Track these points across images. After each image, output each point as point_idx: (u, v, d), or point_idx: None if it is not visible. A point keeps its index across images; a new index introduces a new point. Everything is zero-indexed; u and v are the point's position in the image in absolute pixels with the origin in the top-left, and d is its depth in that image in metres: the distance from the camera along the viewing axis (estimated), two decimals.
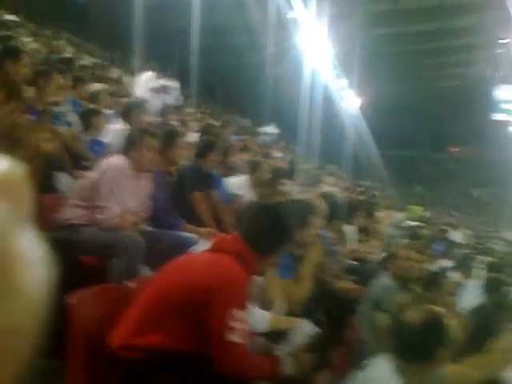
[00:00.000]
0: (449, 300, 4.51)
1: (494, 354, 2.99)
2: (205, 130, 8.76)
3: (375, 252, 7.11)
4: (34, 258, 0.45)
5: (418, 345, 2.50)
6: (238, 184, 6.33)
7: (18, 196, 0.46)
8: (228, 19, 26.54)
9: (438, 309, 2.79)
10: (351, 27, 27.83)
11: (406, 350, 2.51)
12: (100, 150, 5.96)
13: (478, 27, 33.63)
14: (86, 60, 14.13)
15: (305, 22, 25.88)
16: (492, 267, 7.47)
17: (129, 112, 6.43)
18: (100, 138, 6.22)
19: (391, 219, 11.38)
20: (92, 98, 7.44)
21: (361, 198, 10.41)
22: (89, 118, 6.27)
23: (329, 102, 31.84)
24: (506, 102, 54.20)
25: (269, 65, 27.54)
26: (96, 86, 7.97)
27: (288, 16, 26.11)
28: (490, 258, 10.26)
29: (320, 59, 28.36)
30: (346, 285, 4.25)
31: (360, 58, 30.03)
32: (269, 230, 2.83)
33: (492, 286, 5.52)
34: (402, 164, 60.25)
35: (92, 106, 6.89)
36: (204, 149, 5.86)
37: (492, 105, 53.88)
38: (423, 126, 61.54)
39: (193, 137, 7.59)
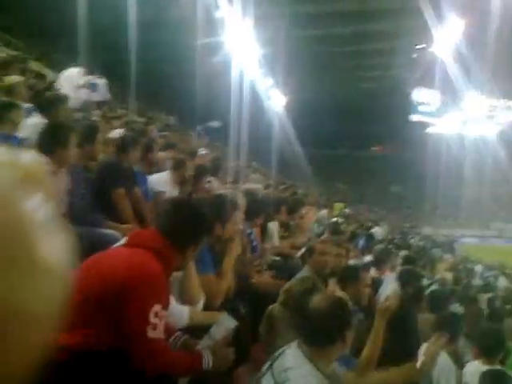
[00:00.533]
0: (366, 292, 4.61)
1: (415, 364, 3.03)
2: (127, 126, 8.60)
3: (298, 247, 7.20)
4: (58, 244, 0.45)
5: (323, 328, 2.55)
6: (160, 181, 6.23)
7: (45, 186, 0.46)
8: (156, 15, 26.20)
9: (342, 294, 2.88)
10: (277, 28, 28.10)
11: (313, 335, 2.57)
12: (14, 145, 5.69)
13: (397, 32, 34.74)
14: (3, 52, 13.52)
15: (231, 21, 25.93)
16: (407, 260, 7.74)
17: (48, 106, 6.19)
18: (15, 133, 5.92)
19: (314, 216, 11.54)
20: (8, 90, 7.11)
21: (284, 195, 10.51)
22: (3, 112, 5.96)
23: (256, 100, 32.02)
24: (423, 104, 56.38)
25: (197, 62, 27.38)
26: (13, 79, 7.60)
27: (216, 15, 26.10)
28: (406, 252, 10.62)
29: (247, 58, 28.48)
30: (266, 280, 4.27)
31: (285, 58, 30.37)
32: (187, 224, 2.79)
33: (406, 278, 5.72)
34: (325, 162, 61.50)
35: (7, 98, 6.56)
36: (126, 145, 5.72)
37: (410, 106, 55.89)
38: (346, 126, 62.95)
39: (115, 133, 7.41)
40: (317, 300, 2.69)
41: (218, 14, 26.37)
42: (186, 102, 30.02)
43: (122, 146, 5.73)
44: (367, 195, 62.51)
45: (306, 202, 11.06)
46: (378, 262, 7.44)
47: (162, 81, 33.78)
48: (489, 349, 4.56)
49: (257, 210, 5.37)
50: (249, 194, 5.44)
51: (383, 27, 34.10)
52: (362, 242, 10.49)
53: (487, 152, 60.78)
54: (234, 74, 26.94)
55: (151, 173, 6.51)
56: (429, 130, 62.09)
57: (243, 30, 26.57)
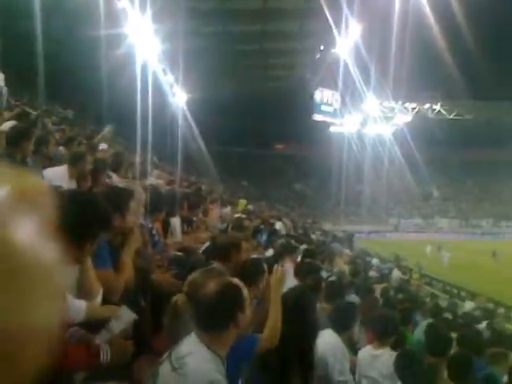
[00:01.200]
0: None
1: None
2: (19, 119, 8.25)
3: (201, 243, 7.21)
4: (52, 266, 0.46)
5: (214, 313, 2.60)
6: (56, 175, 5.98)
7: (43, 207, 0.48)
8: (56, 4, 25.18)
9: (235, 280, 2.91)
10: (177, 24, 27.82)
11: (206, 321, 2.61)
12: None
13: (300, 33, 35.38)
14: None
15: (132, 14, 25.44)
16: (307, 254, 7.97)
17: None
18: None
19: (218, 212, 11.59)
20: None
21: (187, 191, 10.47)
22: None
23: (159, 96, 31.64)
24: (325, 104, 57.92)
25: (98, 55, 26.64)
26: None
27: (117, 5, 25.50)
28: (306, 246, 10.90)
29: (149, 53, 28.09)
30: (166, 277, 4.26)
31: (187, 55, 30.13)
32: (83, 216, 2.72)
33: (306, 270, 5.90)
34: (229, 160, 61.77)
35: None
36: (16, 137, 5.48)
37: (313, 106, 57.22)
38: (250, 124, 63.55)
39: (6, 125, 7.06)
40: (208, 286, 2.72)
41: (119, 5, 25.75)
42: (86, 96, 29.16)
43: (14, 138, 5.48)
44: (270, 193, 63.44)
45: (209, 199, 11.09)
46: (279, 256, 7.57)
47: (61, 73, 32.57)
48: (382, 333, 4.80)
49: (158, 204, 5.33)
50: (150, 189, 5.39)
51: (287, 27, 34.58)
52: (264, 237, 10.66)
53: (384, 151, 63.51)
54: (137, 68, 26.44)
55: (46, 166, 6.24)
56: (330, 130, 63.88)
57: (143, 24, 26.15)
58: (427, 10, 35.87)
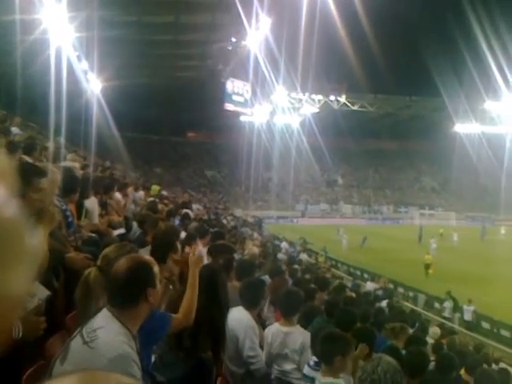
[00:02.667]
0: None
1: None
2: None
3: (114, 226, 7.11)
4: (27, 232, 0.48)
5: (124, 289, 2.58)
6: None
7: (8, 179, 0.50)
8: None
9: (146, 256, 2.91)
10: (93, 12, 27.00)
11: (116, 296, 2.59)
12: None
13: (212, 24, 35.19)
14: None
15: (47, 1, 24.39)
16: (217, 235, 8.06)
17: None
18: None
19: (132, 196, 11.43)
20: None
21: (101, 175, 10.25)
22: None
23: (73, 83, 30.58)
24: (236, 94, 58.07)
25: (11, 41, 25.40)
26: None
27: None
28: (217, 229, 11.02)
29: (62, 40, 27.05)
30: (78, 255, 4.16)
31: (102, 43, 29.33)
32: None
33: (217, 250, 5.97)
34: (143, 146, 60.94)
35: None
36: None
37: (224, 96, 57.21)
38: (164, 112, 62.84)
39: None
40: (119, 262, 2.71)
41: None
42: None
43: None
44: (183, 179, 63.11)
45: (123, 183, 10.90)
46: (192, 238, 7.59)
47: None
48: (287, 310, 4.93)
49: (72, 186, 5.20)
50: (64, 170, 5.25)
51: (199, 19, 34.29)
52: (177, 221, 10.63)
53: (292, 140, 64.62)
54: (51, 54, 25.41)
55: None
56: (241, 119, 64.16)
57: (58, 11, 25.13)
58: (333, 7, 36.62)
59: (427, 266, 28.40)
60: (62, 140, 17.14)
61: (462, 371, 6.52)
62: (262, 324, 5.52)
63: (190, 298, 3.49)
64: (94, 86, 37.73)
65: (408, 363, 4.68)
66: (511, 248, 35.76)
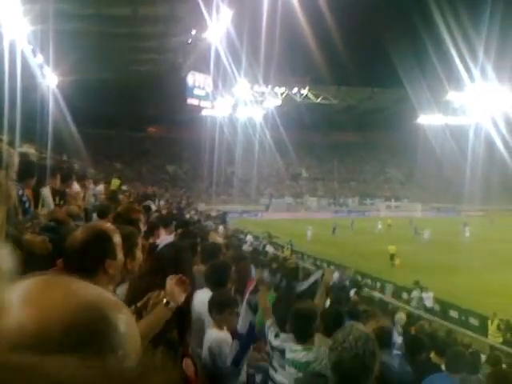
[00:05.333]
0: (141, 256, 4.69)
1: None
2: None
3: (73, 216, 7.00)
4: None
5: (83, 257, 2.53)
6: None
7: None
8: None
9: (107, 225, 2.84)
10: (48, 4, 26.52)
11: (72, 264, 2.53)
12: None
13: (171, 17, 34.92)
14: None
15: None
16: (180, 224, 8.06)
17: None
18: None
19: (91, 189, 11.31)
20: None
21: (59, 165, 10.10)
22: None
23: (28, 78, 29.96)
24: (198, 87, 57.84)
25: None
26: None
27: None
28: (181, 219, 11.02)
29: (17, 34, 26.48)
30: (34, 237, 4.07)
31: (58, 36, 28.82)
32: None
33: (183, 236, 5.99)
34: (102, 142, 60.20)
35: None
36: None
37: (185, 90, 56.90)
38: (123, 107, 62.13)
39: None
40: (76, 231, 2.65)
41: None
42: None
43: None
44: (144, 174, 62.65)
45: (81, 174, 10.76)
46: (155, 227, 7.55)
47: None
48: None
49: (28, 170, 5.10)
50: (20, 155, 5.15)
51: (158, 11, 33.99)
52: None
53: (255, 134, 64.73)
54: (5, 48, 24.85)
55: None
56: (203, 113, 63.89)
57: (12, 4, 24.58)
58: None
59: (392, 257, 29.13)
60: (17, 135, 16.80)
61: (432, 354, 6.63)
62: None
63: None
64: (49, 80, 37.01)
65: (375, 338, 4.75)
66: (476, 238, 36.85)
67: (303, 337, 3.81)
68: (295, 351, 3.79)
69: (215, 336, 4.37)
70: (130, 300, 3.71)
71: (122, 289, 3.63)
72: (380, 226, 44.72)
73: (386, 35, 67.68)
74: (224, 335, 4.41)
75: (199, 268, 5.30)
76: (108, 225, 2.81)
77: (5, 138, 10.61)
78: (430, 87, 61.16)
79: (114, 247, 2.63)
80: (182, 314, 3.87)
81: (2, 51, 24.46)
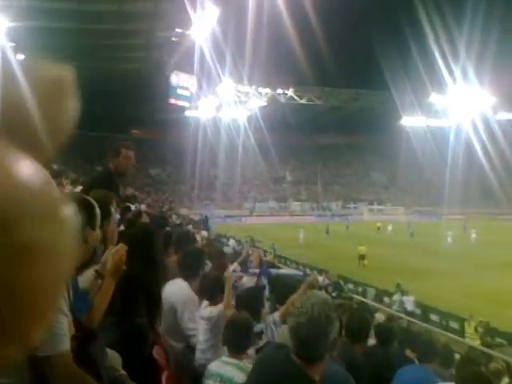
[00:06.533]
0: None
1: None
2: None
3: None
4: None
5: None
6: None
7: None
8: None
9: (87, 197, 2.84)
10: (28, 2, 26.38)
11: None
12: None
13: (155, 14, 34.80)
14: None
15: None
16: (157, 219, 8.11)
17: None
18: None
19: (70, 190, 11.35)
20: None
21: None
22: None
23: (6, 75, 29.72)
24: (181, 87, 57.56)
25: None
26: None
27: None
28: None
29: None
30: None
31: (39, 33, 28.65)
32: None
33: (155, 227, 6.03)
34: (82, 144, 59.44)
35: None
36: None
37: (169, 90, 56.60)
38: (105, 107, 61.56)
39: None
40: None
41: None
42: None
43: None
44: (126, 178, 62.01)
45: (56, 171, 10.68)
46: (132, 225, 7.58)
47: None
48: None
49: None
50: None
51: (142, 7, 33.88)
52: (117, 215, 10.59)
53: (238, 136, 64.64)
54: None
55: None
56: (186, 114, 63.63)
57: None
58: (281, 0, 37.00)
59: (362, 257, 30.30)
60: None
61: (408, 351, 6.67)
62: None
63: (99, 305, 2.96)
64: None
65: (348, 327, 4.81)
66: (456, 242, 37.36)
67: (237, 350, 3.71)
68: (226, 364, 3.68)
69: (218, 310, 4.42)
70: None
71: (90, 272, 3.62)
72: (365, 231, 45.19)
73: (371, 37, 68.33)
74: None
75: (173, 258, 5.30)
76: (88, 197, 2.79)
77: None
78: (413, 89, 61.94)
79: (94, 217, 2.65)
80: (152, 297, 3.87)
81: None
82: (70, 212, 0.49)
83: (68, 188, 12.20)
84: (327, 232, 43.53)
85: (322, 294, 2.87)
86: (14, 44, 29.97)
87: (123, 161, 5.20)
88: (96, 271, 3.32)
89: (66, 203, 0.49)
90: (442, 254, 31.49)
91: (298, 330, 2.52)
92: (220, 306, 4.46)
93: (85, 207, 2.60)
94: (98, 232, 2.69)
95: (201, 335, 4.42)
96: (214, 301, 4.53)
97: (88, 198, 2.76)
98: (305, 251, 33.45)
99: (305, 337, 2.50)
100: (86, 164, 56.15)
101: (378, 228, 47.21)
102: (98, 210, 2.70)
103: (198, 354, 4.36)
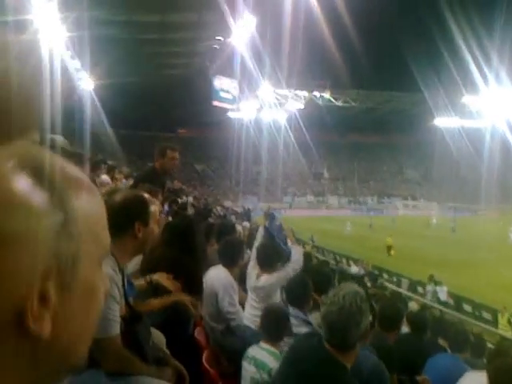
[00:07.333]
0: None
1: None
2: None
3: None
4: None
5: (115, 218, 2.52)
6: None
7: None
8: None
9: (144, 194, 2.81)
10: (83, 12, 26.84)
11: (111, 225, 2.53)
12: None
13: (198, 23, 35.09)
14: None
15: (37, 2, 24.22)
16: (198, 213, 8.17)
17: None
18: None
19: (123, 180, 11.50)
20: None
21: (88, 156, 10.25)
22: None
23: (66, 81, 30.43)
24: (224, 91, 57.90)
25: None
26: None
27: None
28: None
29: (54, 40, 26.86)
30: None
31: (93, 42, 29.15)
32: None
33: (198, 220, 6.06)
34: (136, 142, 60.72)
35: None
36: None
37: (213, 93, 57.05)
38: (155, 109, 62.71)
39: None
40: (116, 194, 2.63)
41: None
42: None
43: None
44: (174, 172, 62.86)
45: (110, 165, 10.90)
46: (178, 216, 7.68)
47: None
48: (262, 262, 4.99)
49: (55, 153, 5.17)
50: (50, 141, 5.22)
51: (186, 18, 34.23)
52: (166, 208, 10.74)
53: (279, 135, 64.69)
54: (44, 53, 25.18)
55: None
56: (229, 115, 64.02)
57: (49, 12, 24.96)
58: (316, 4, 36.65)
59: (389, 248, 30.45)
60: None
61: (441, 341, 6.51)
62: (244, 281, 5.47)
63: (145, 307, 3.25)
64: (86, 84, 37.50)
65: (381, 316, 4.73)
66: (486, 236, 36.49)
67: (272, 338, 3.71)
68: (262, 349, 3.68)
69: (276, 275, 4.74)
70: (144, 269, 3.77)
71: (137, 259, 3.67)
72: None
73: (404, 39, 67.14)
74: None
75: (215, 248, 5.36)
76: (146, 194, 2.79)
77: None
78: (446, 90, 60.45)
79: (148, 213, 2.62)
80: (193, 282, 3.91)
81: (43, 57, 24.83)
82: (38, 201, 0.47)
83: (122, 181, 12.44)
84: (370, 226, 43.30)
85: (354, 285, 2.84)
86: (70, 52, 30.70)
87: (168, 161, 5.38)
88: (150, 280, 3.40)
89: (34, 192, 0.47)
90: (479, 248, 30.73)
91: (328, 318, 2.54)
92: (275, 275, 4.73)
93: (137, 203, 2.60)
94: (151, 228, 2.66)
95: (255, 304, 4.65)
96: (267, 269, 4.75)
97: (141, 194, 2.75)
98: (343, 242, 33.23)
99: (335, 325, 2.52)
100: (139, 160, 57.04)
101: (427, 222, 46.42)
102: (153, 208, 2.68)
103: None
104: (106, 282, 0.64)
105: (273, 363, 3.46)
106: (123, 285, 2.56)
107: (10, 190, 0.45)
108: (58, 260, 0.51)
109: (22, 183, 0.46)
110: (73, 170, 0.55)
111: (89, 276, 0.57)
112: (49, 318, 0.50)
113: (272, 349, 3.62)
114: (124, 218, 2.50)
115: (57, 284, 0.51)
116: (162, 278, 3.46)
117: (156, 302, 3.31)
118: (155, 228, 2.71)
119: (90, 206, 0.58)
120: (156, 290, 3.40)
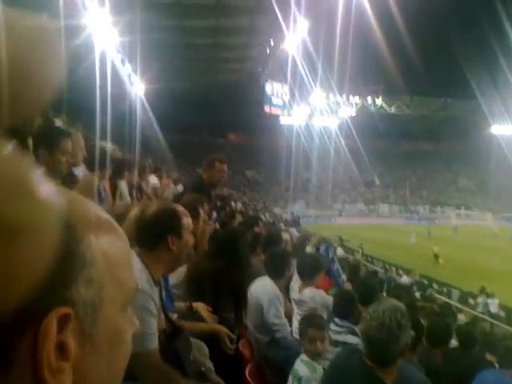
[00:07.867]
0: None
1: None
2: None
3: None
4: None
5: (147, 231, 2.55)
6: None
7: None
8: None
9: (178, 206, 2.82)
10: (136, 16, 27.39)
11: (141, 237, 2.56)
12: None
13: (251, 28, 35.31)
14: None
15: (90, 7, 24.89)
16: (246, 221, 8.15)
17: None
18: None
19: (170, 186, 11.59)
20: None
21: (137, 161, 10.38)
22: None
23: (117, 86, 31.09)
24: (275, 96, 58.12)
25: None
26: None
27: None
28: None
29: (107, 44, 27.51)
30: None
31: (145, 47, 29.70)
32: None
33: (244, 229, 6.04)
34: (185, 147, 61.55)
35: None
36: None
37: (263, 98, 57.32)
38: (205, 115, 63.37)
39: None
40: (150, 207, 2.67)
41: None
42: None
43: None
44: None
45: (156, 167, 11.02)
46: (225, 225, 7.68)
47: None
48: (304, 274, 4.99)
49: (102, 161, 5.25)
50: (100, 147, 5.31)
51: (238, 23, 34.50)
52: (214, 215, 10.79)
53: (330, 142, 64.32)
54: (96, 57, 25.87)
55: None
56: (280, 121, 64.09)
57: (102, 16, 25.61)
58: (369, 9, 36.34)
59: (436, 257, 29.86)
60: (106, 140, 17.36)
61: (489, 356, 6.32)
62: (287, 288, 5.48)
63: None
64: (137, 88, 38.17)
65: (429, 333, 4.60)
66: None
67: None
68: (301, 362, 3.67)
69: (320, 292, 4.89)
70: (188, 281, 3.78)
71: (181, 270, 3.68)
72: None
73: (459, 46, 65.77)
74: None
75: (261, 258, 5.33)
76: (181, 207, 2.79)
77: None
78: (502, 98, 58.80)
79: (181, 226, 2.62)
80: (238, 294, 3.91)
81: (94, 61, 25.46)
82: (46, 190, 0.45)
83: (170, 186, 12.59)
84: (429, 233, 42.53)
85: (395, 301, 2.83)
86: (121, 57, 31.41)
87: (216, 173, 5.44)
88: (190, 305, 3.46)
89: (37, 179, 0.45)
90: None
91: (368, 333, 2.56)
92: (318, 294, 4.87)
93: (168, 216, 2.61)
94: (186, 240, 2.65)
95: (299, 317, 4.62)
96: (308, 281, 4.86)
97: (173, 207, 2.75)
98: (394, 252, 32.62)
99: (375, 341, 2.54)
100: (188, 165, 57.83)
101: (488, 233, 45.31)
102: (186, 220, 2.67)
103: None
104: (134, 324, 0.59)
105: (304, 372, 3.48)
106: (161, 298, 2.58)
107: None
108: (77, 307, 0.47)
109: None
110: (94, 209, 0.53)
111: (112, 322, 0.54)
112: (69, 371, 0.47)
113: (310, 360, 3.60)
114: (156, 231, 2.54)
115: (76, 333, 0.48)
116: (201, 308, 3.53)
117: (197, 325, 3.34)
118: (190, 239, 2.70)
119: (111, 247, 0.54)
120: (192, 315, 3.44)
